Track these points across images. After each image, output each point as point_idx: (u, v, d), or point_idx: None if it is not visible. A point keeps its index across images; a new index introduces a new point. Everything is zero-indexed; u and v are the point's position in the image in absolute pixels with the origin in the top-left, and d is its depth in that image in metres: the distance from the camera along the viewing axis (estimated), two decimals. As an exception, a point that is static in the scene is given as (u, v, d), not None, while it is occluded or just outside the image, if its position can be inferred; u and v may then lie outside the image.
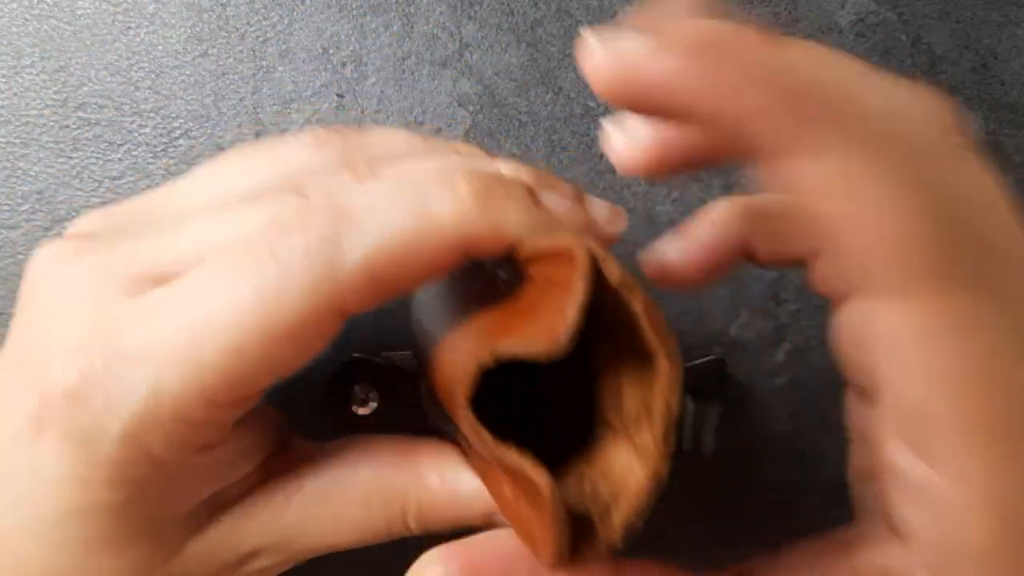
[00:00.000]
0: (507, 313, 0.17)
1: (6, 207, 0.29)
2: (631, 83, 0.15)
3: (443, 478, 0.21)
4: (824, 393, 0.29)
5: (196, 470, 0.19)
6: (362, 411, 0.26)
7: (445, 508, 0.21)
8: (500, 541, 0.17)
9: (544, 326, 0.15)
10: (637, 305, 0.14)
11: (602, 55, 0.15)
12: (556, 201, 0.18)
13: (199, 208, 0.19)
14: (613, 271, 0.14)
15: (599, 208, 0.19)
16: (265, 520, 0.21)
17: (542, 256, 0.17)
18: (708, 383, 0.28)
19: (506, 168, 0.19)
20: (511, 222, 0.17)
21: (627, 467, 0.16)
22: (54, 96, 0.29)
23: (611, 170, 0.29)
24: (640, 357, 0.15)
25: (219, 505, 0.20)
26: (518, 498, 0.16)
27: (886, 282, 0.14)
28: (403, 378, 0.26)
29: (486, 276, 0.20)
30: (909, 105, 0.16)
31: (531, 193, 0.18)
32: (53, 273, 0.19)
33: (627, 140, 0.18)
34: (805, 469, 0.29)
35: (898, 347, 0.14)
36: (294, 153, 0.20)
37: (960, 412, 0.14)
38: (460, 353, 0.18)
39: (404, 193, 0.17)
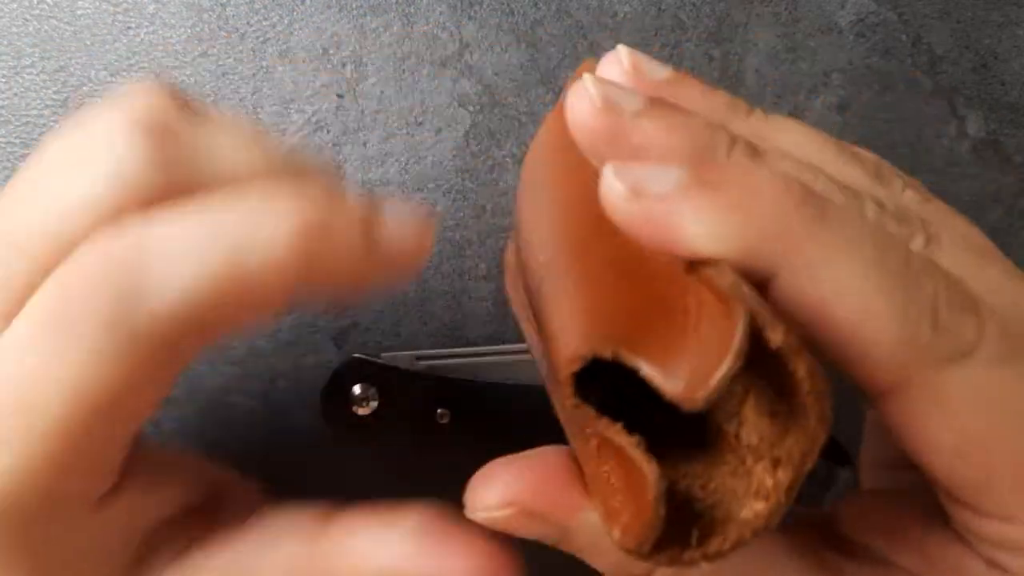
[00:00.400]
0: (634, 295, 0.15)
1: (6, 207, 0.29)
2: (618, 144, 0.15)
3: (379, 564, 0.18)
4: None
5: (91, 531, 0.18)
6: (362, 411, 0.26)
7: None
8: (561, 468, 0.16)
9: (685, 364, 0.13)
10: (801, 370, 0.13)
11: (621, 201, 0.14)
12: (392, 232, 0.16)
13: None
14: (776, 336, 0.13)
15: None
16: None
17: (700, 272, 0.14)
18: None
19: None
20: (332, 274, 0.16)
21: (734, 493, 0.14)
22: (54, 96, 0.29)
23: (611, 170, 0.29)
24: (776, 391, 0.14)
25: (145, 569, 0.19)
26: (607, 472, 0.15)
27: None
28: (403, 378, 0.26)
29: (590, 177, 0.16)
30: None
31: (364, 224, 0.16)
32: None
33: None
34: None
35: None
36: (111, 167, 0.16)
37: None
38: (569, 322, 0.15)
39: (214, 234, 0.15)
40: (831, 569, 0.17)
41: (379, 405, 0.26)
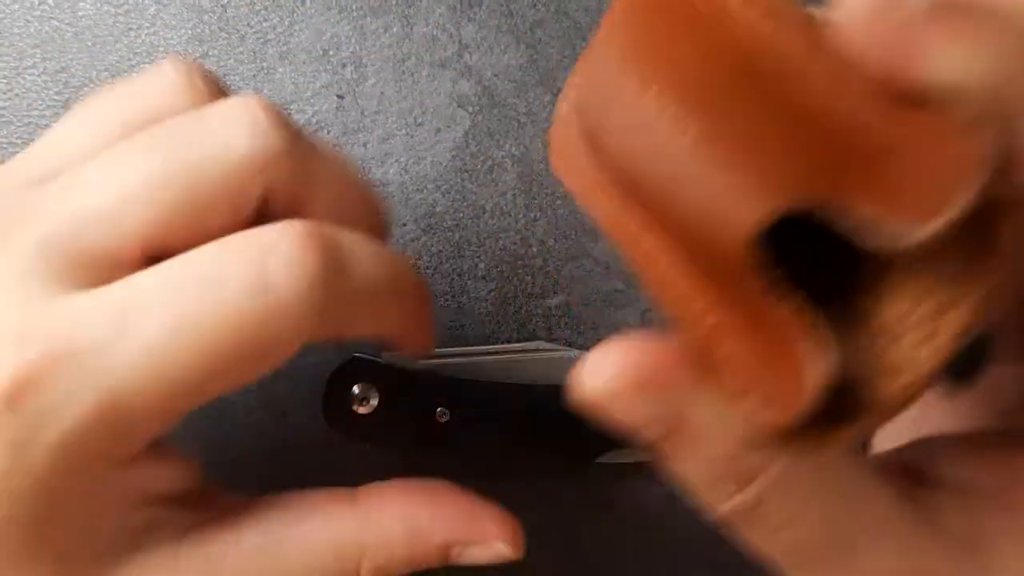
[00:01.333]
0: (820, 140, 0.13)
1: (8, 208, 0.29)
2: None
3: (409, 525, 0.19)
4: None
5: (110, 489, 0.18)
6: (362, 411, 0.26)
7: (406, 557, 0.19)
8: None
9: (905, 200, 0.12)
10: (1007, 230, 0.12)
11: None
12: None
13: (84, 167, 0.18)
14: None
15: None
16: (197, 568, 0.19)
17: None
18: None
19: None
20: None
21: (876, 370, 0.13)
22: (55, 97, 0.29)
23: (610, 170, 0.29)
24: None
25: (141, 545, 0.18)
26: (751, 348, 0.13)
27: None
28: (403, 377, 0.26)
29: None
30: None
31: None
32: None
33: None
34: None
35: None
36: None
37: None
38: (743, 182, 0.13)
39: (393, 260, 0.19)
40: (911, 496, 0.16)
41: (379, 405, 0.26)
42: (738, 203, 0.13)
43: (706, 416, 0.15)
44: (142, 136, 0.17)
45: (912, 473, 0.18)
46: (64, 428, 0.16)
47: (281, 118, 0.18)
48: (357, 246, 0.18)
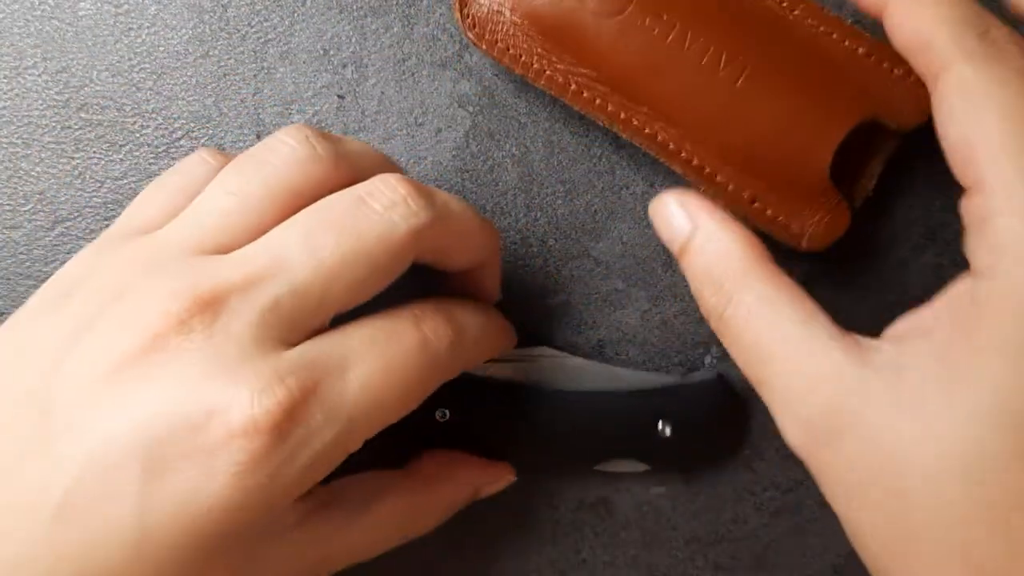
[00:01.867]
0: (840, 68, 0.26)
1: (8, 207, 0.29)
2: None
3: (454, 485, 0.27)
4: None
5: (286, 549, 0.22)
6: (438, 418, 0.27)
7: (450, 510, 0.27)
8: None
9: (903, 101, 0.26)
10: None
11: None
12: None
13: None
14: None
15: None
16: (315, 551, 0.22)
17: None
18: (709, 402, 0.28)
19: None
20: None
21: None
22: (56, 97, 0.29)
23: (610, 171, 0.29)
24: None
25: (268, 531, 0.21)
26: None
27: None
28: (474, 387, 0.27)
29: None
30: None
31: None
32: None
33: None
34: (805, 468, 0.29)
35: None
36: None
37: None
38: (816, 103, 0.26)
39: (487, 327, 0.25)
40: (854, 339, 0.21)
41: (451, 416, 0.27)
42: (815, 135, 0.26)
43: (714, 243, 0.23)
44: (323, 217, 0.21)
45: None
46: (315, 452, 0.20)
47: (421, 191, 0.22)
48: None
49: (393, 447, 0.27)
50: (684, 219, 0.23)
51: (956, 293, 0.20)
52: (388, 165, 0.25)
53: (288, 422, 0.19)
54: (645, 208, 0.29)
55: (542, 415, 0.27)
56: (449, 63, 0.29)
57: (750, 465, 0.29)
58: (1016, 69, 0.20)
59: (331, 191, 0.22)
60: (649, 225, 0.29)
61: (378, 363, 0.21)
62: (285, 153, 0.22)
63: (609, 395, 0.27)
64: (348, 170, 0.23)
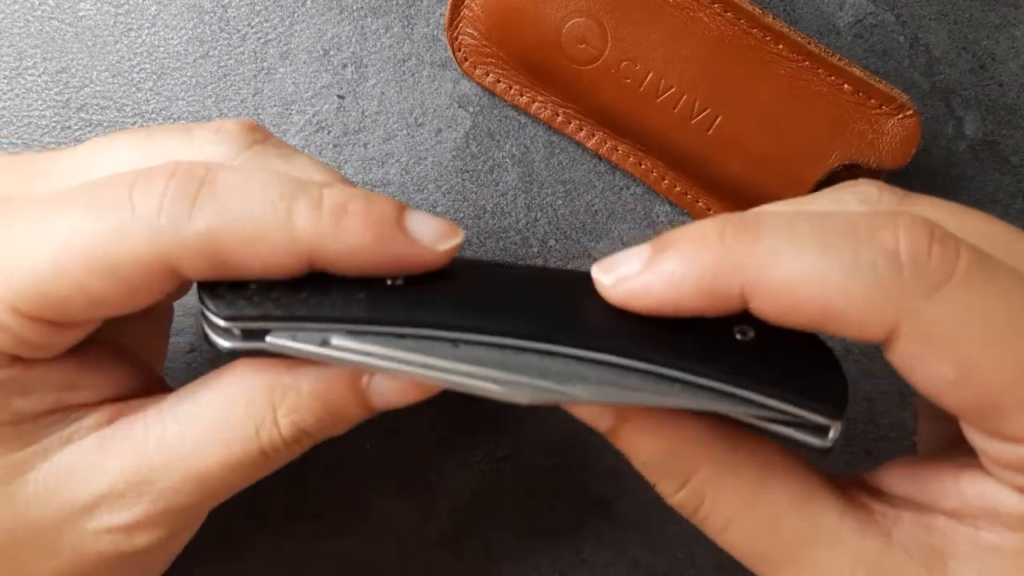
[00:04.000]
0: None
1: (8, 208, 0.29)
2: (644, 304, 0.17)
3: (317, 375, 0.19)
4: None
5: (22, 383, 0.19)
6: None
7: (323, 396, 0.19)
8: None
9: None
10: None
11: (611, 291, 0.18)
12: (423, 226, 0.18)
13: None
14: None
15: (427, 225, 0.19)
16: (123, 450, 0.19)
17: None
18: None
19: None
20: (358, 246, 0.18)
21: None
22: (56, 97, 0.29)
23: (610, 171, 0.29)
24: None
25: (68, 436, 0.20)
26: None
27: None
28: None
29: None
30: None
31: (397, 213, 0.18)
32: None
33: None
34: (804, 468, 0.29)
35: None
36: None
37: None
38: (807, 140, 0.26)
39: (271, 187, 0.18)
40: (872, 512, 0.18)
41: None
42: (790, 178, 0.26)
43: (647, 419, 0.19)
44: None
45: (870, 489, 0.20)
46: None
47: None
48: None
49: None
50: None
51: (1004, 504, 0.17)
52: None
53: None
54: (645, 208, 0.29)
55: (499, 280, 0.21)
56: (449, 63, 0.29)
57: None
58: (972, 281, 0.16)
59: None
60: (649, 225, 0.29)
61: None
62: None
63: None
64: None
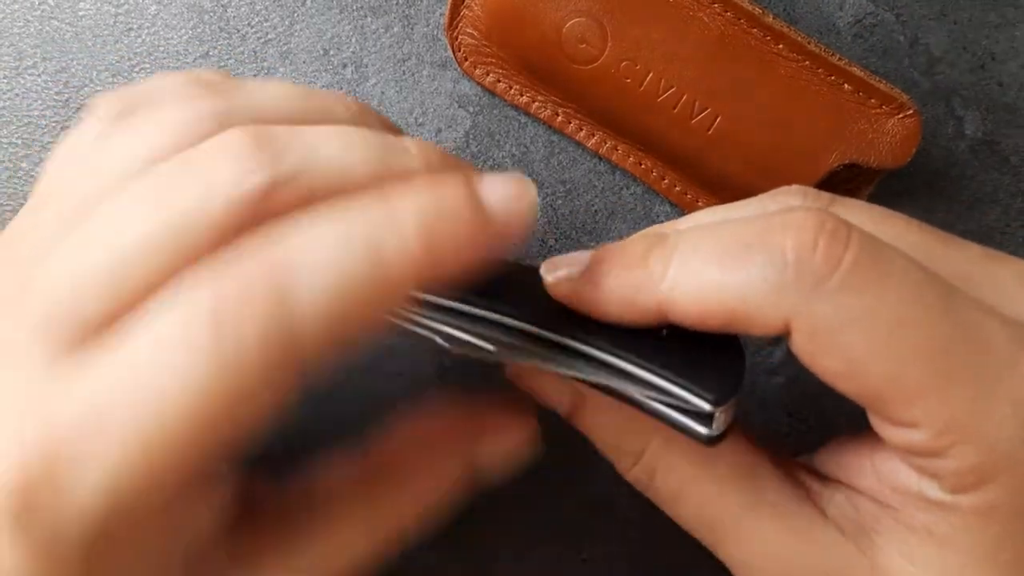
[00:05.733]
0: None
1: (8, 207, 0.29)
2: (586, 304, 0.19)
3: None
4: (823, 392, 0.29)
5: (154, 531, 0.17)
6: None
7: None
8: None
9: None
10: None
11: (550, 287, 0.19)
12: (495, 195, 0.17)
13: (104, 233, 0.17)
14: None
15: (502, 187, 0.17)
16: None
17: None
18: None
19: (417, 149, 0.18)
20: (456, 256, 0.17)
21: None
22: (56, 97, 0.29)
23: (610, 171, 0.29)
24: None
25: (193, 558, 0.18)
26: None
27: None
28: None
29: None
30: None
31: (471, 197, 0.17)
32: None
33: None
34: (804, 468, 0.29)
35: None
36: (179, 128, 0.18)
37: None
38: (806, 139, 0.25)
39: (350, 238, 0.16)
40: (808, 490, 0.20)
41: None
42: (789, 177, 0.25)
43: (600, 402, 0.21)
44: (134, 187, 0.17)
45: (809, 469, 0.21)
46: (84, 512, 0.15)
47: (262, 141, 0.17)
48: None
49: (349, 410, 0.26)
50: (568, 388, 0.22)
51: (932, 500, 0.18)
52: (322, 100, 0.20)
53: (31, 499, 0.15)
54: (645, 208, 0.29)
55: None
56: (449, 63, 0.29)
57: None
58: (857, 278, 0.17)
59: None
60: (649, 225, 0.29)
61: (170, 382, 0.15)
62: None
63: None
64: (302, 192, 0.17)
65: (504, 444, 0.21)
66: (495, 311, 0.20)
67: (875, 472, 0.20)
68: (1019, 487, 0.17)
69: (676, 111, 0.26)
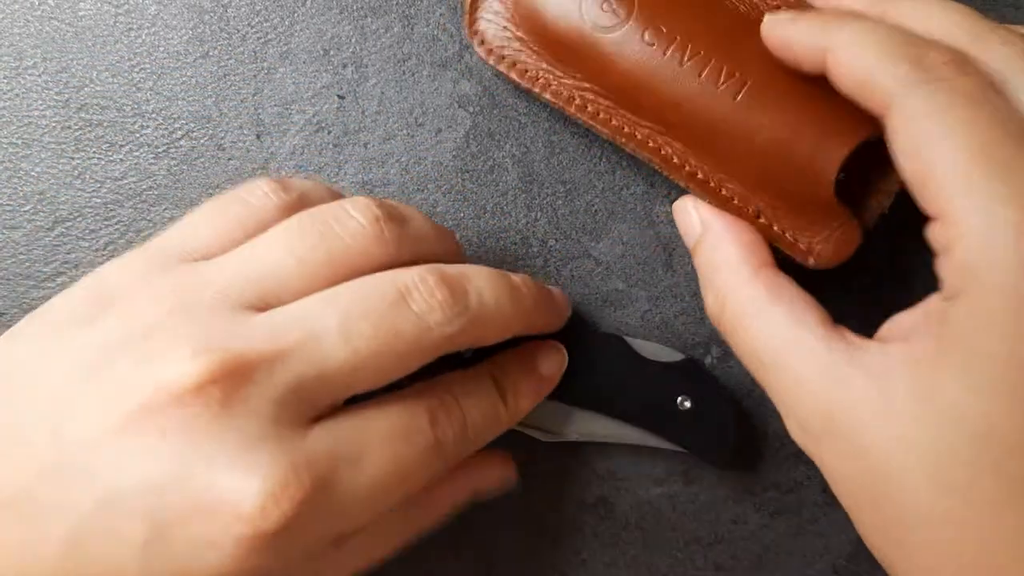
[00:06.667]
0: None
1: (8, 207, 0.29)
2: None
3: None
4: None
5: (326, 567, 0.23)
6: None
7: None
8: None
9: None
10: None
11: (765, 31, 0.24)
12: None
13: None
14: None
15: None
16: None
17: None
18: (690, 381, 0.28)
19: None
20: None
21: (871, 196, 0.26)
22: (56, 97, 0.29)
23: (610, 171, 0.29)
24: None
25: None
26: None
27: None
28: None
29: None
30: None
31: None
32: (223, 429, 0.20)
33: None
34: (805, 469, 0.29)
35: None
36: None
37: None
38: (826, 120, 0.25)
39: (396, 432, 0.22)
40: (843, 338, 0.21)
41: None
42: (818, 150, 0.25)
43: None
44: (363, 305, 0.21)
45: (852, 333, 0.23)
46: (317, 538, 0.20)
47: (457, 296, 0.22)
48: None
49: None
50: (696, 221, 0.25)
51: (932, 308, 0.20)
52: (446, 240, 0.26)
53: (296, 518, 0.19)
54: (645, 208, 0.29)
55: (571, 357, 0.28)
56: (449, 63, 0.29)
57: (750, 465, 0.29)
58: (956, 91, 0.20)
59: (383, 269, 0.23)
60: (649, 225, 0.29)
61: (391, 463, 0.21)
62: (353, 229, 0.22)
63: (631, 360, 0.28)
64: (409, 255, 0.23)
65: (494, 477, 0.27)
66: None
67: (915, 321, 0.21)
68: (995, 307, 0.18)
69: (702, 77, 0.25)
